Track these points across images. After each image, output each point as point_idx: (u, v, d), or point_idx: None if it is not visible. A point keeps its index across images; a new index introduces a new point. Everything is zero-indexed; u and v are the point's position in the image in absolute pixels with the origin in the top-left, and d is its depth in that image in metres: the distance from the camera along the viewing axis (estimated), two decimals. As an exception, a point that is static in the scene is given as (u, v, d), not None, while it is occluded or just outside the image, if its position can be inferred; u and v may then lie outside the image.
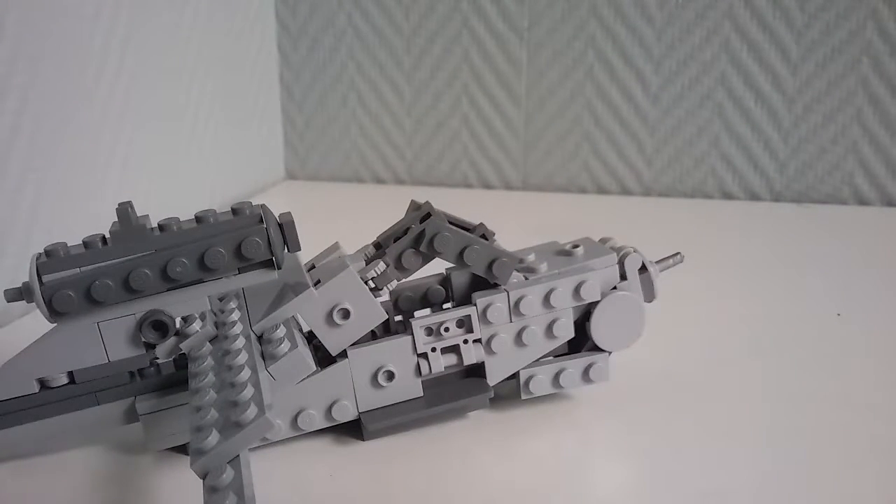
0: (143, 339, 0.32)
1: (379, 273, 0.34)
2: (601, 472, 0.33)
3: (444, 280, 0.37)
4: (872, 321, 0.46)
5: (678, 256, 0.38)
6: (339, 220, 0.63)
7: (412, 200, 0.38)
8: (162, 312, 0.32)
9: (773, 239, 0.61)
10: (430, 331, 0.35)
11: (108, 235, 0.31)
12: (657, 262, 0.38)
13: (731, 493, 0.31)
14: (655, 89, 0.70)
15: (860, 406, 0.37)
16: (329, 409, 0.35)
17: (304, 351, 0.31)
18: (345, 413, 0.35)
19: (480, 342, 0.35)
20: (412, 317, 0.37)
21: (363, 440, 0.35)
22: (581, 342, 0.37)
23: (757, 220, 0.65)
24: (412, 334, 0.35)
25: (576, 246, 0.37)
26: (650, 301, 0.37)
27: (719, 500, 0.31)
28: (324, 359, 0.35)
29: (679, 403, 0.38)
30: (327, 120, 0.79)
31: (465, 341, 0.35)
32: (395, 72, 0.76)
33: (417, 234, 0.35)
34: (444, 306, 0.38)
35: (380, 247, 0.37)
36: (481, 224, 0.37)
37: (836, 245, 0.59)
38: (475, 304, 0.35)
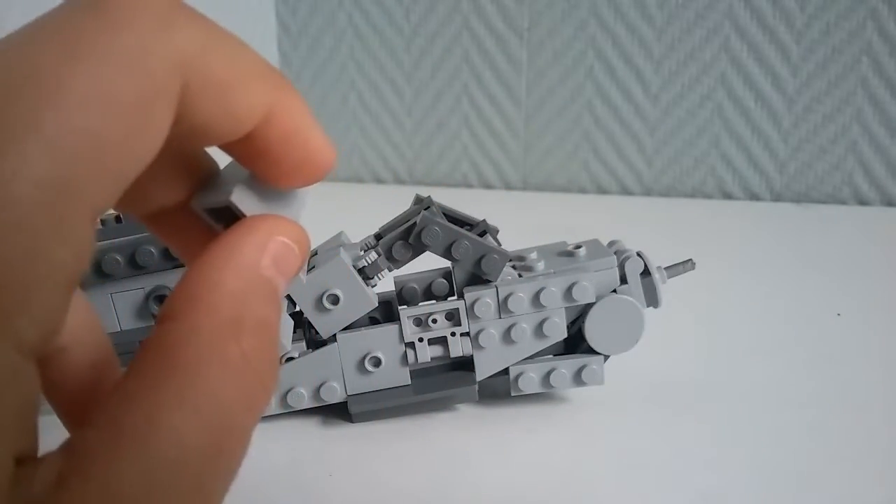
0: (151, 312, 0.35)
1: (370, 262, 0.35)
2: (594, 471, 0.33)
3: (448, 273, 0.38)
4: (872, 321, 0.46)
5: (689, 263, 0.37)
6: (339, 220, 0.63)
7: (416, 195, 0.39)
8: (167, 288, 0.35)
9: (773, 239, 0.60)
10: (418, 321, 0.36)
11: (121, 215, 0.35)
12: (667, 268, 0.36)
13: (732, 493, 0.31)
14: (655, 89, 0.70)
15: (860, 406, 0.37)
16: (317, 390, 0.36)
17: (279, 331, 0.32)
18: (332, 394, 0.36)
19: (469, 336, 0.36)
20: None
21: (352, 422, 0.36)
22: (580, 344, 0.36)
23: (757, 220, 0.65)
24: (400, 323, 0.35)
25: (578, 247, 0.36)
26: (653, 306, 0.36)
27: (719, 500, 0.31)
28: (320, 342, 0.36)
29: (678, 402, 0.37)
30: (327, 120, 0.79)
31: (453, 334, 0.35)
32: (395, 72, 0.76)
33: (409, 226, 0.35)
34: (449, 299, 0.38)
35: (380, 237, 0.37)
36: (483, 221, 0.37)
37: (836, 245, 0.59)
38: (464, 298, 0.35)
